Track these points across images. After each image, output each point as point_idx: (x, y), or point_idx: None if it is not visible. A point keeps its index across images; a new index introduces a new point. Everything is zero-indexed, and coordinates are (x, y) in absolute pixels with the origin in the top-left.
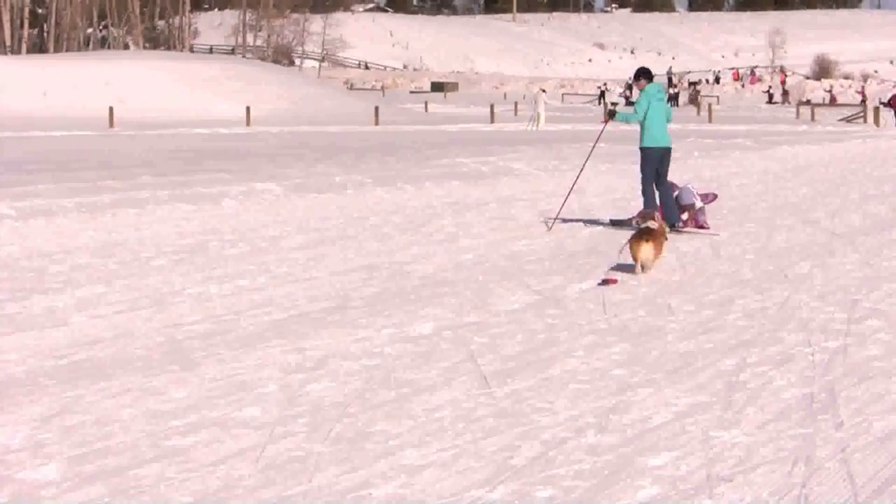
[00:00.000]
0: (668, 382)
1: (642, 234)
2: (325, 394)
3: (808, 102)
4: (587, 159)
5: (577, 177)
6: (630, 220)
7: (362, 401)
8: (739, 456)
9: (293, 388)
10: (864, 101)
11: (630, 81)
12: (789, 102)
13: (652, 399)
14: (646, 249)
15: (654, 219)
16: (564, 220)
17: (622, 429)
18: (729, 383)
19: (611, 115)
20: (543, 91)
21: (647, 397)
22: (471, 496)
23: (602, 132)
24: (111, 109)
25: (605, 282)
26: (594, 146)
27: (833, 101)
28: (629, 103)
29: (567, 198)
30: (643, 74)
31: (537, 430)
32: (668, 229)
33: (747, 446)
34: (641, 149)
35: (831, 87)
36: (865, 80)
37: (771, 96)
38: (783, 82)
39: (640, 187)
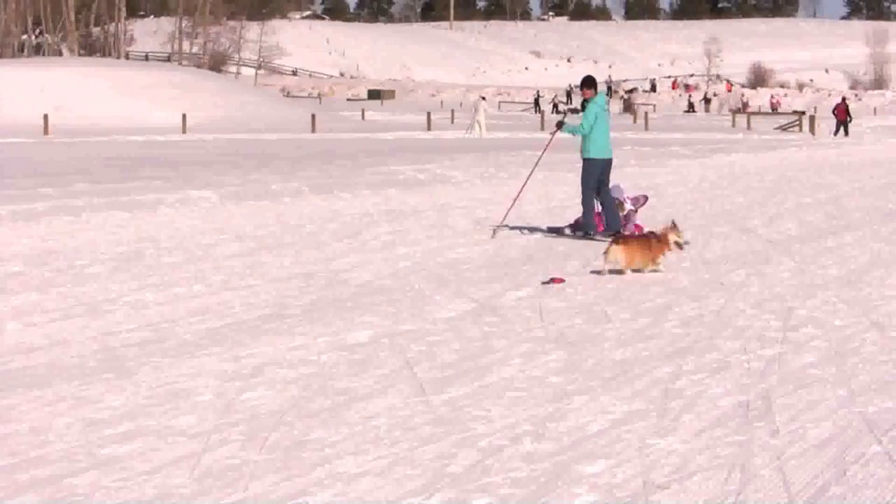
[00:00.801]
0: (605, 390)
1: (619, 238)
2: (261, 402)
3: (738, 111)
4: (534, 168)
5: (524, 185)
6: (565, 228)
7: (298, 409)
8: (676, 463)
9: (229, 396)
10: (774, 111)
11: (569, 89)
12: (708, 111)
13: (588, 407)
14: (612, 251)
15: (674, 228)
16: (503, 228)
17: (559, 436)
18: (665, 391)
19: (559, 125)
20: (483, 99)
21: (584, 405)
22: None
23: (550, 143)
24: (46, 116)
25: (551, 280)
26: (541, 156)
27: (745, 109)
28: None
29: (512, 206)
30: (590, 84)
31: (474, 438)
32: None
33: (683, 454)
34: (585, 159)
35: (743, 94)
36: (801, 89)
37: (691, 105)
38: (728, 90)
39: (581, 196)
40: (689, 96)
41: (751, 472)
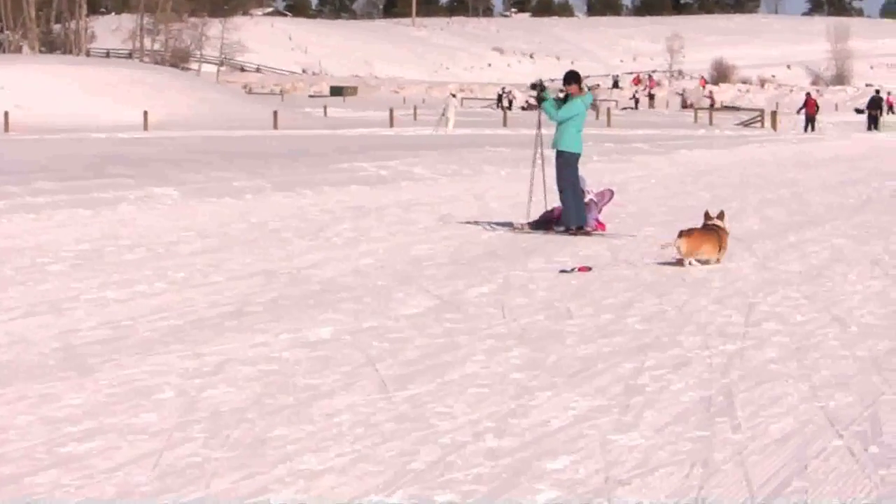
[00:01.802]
0: (567, 386)
1: (685, 230)
2: (223, 399)
3: (691, 106)
4: (536, 150)
5: (531, 181)
6: (527, 224)
7: (260, 406)
8: (638, 459)
9: (191, 393)
10: (712, 105)
11: (537, 82)
12: (654, 107)
13: (551, 403)
14: (677, 242)
15: (720, 217)
16: (463, 223)
17: (521, 433)
18: (627, 387)
19: (540, 99)
20: (454, 95)
21: (546, 401)
22: (370, 501)
23: (540, 117)
24: (6, 114)
25: (577, 269)
26: (538, 134)
27: (685, 105)
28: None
29: (529, 202)
30: (577, 79)
31: (436, 435)
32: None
33: (645, 449)
34: (562, 152)
35: (684, 90)
36: (763, 85)
37: (637, 101)
38: (703, 85)
39: (559, 191)
40: (636, 92)
41: (712, 468)
